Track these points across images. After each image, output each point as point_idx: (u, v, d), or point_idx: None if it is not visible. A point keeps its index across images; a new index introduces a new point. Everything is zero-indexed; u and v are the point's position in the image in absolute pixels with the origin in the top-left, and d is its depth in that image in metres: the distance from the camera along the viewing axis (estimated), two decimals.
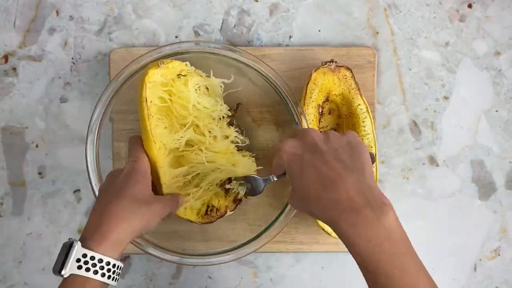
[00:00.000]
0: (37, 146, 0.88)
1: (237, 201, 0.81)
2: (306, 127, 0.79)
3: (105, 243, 0.64)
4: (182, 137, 0.77)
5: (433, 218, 0.88)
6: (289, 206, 0.79)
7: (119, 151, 0.85)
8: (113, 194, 0.69)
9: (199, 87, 0.79)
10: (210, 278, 0.88)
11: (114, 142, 0.85)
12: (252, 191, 0.77)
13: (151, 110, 0.75)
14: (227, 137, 0.80)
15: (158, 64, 0.75)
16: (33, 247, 0.88)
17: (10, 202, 0.88)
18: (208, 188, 0.80)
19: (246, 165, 0.80)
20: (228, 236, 0.83)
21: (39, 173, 0.88)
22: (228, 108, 0.81)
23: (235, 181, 0.79)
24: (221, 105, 0.80)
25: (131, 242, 0.78)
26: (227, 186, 0.79)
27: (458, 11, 0.88)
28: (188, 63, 0.78)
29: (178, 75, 0.77)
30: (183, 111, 0.77)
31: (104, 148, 0.87)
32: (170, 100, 0.77)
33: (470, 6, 0.88)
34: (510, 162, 0.88)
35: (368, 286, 0.61)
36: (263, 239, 0.79)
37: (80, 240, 0.65)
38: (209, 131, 0.78)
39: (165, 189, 0.76)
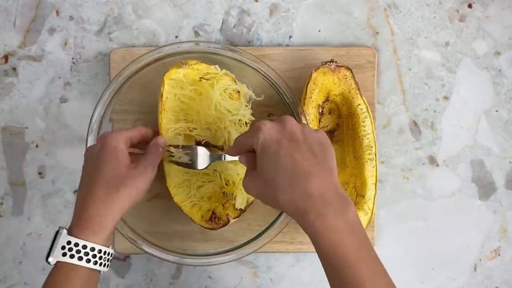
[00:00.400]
0: (37, 146, 0.88)
1: (239, 209, 0.81)
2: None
3: (88, 229, 0.65)
4: (181, 126, 0.79)
5: (433, 218, 0.88)
6: None
7: None
8: (90, 176, 0.69)
9: (225, 90, 0.79)
10: (210, 278, 0.88)
11: None
12: (194, 164, 0.77)
13: (166, 106, 0.78)
14: None
15: (181, 64, 0.78)
16: (33, 247, 0.88)
17: (10, 202, 0.88)
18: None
19: None
20: (228, 236, 0.83)
21: (39, 173, 0.88)
22: (251, 112, 0.81)
23: (180, 148, 0.78)
24: (244, 110, 0.80)
25: (131, 243, 0.78)
26: (171, 149, 0.78)
27: (458, 11, 0.88)
28: (217, 66, 0.79)
29: (200, 78, 0.79)
30: (207, 111, 0.79)
31: None
32: (194, 99, 0.79)
33: (470, 6, 0.88)
34: (510, 162, 0.88)
35: (330, 280, 0.62)
36: (263, 239, 0.79)
37: (68, 227, 0.66)
38: (228, 132, 0.79)
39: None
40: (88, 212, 0.66)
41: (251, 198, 0.80)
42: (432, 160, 0.88)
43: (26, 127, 0.88)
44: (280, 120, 0.68)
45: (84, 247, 0.65)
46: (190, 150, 0.77)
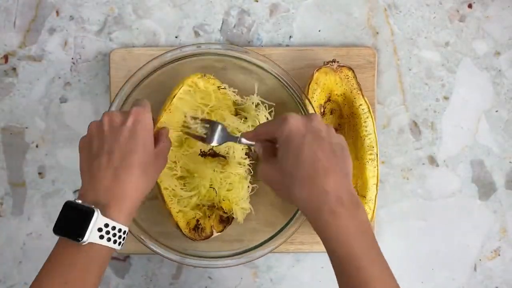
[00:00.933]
0: (37, 146, 0.88)
1: (224, 222, 0.81)
2: None
3: (123, 213, 0.64)
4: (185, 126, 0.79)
5: (433, 218, 0.88)
6: (299, 212, 0.79)
7: None
8: (122, 151, 0.65)
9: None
10: (210, 278, 0.88)
11: None
12: (208, 138, 0.76)
13: (171, 107, 0.78)
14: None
15: (203, 75, 0.80)
16: (33, 247, 0.88)
17: (10, 202, 0.88)
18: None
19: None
20: (230, 234, 0.83)
21: (39, 173, 0.88)
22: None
23: (199, 121, 0.78)
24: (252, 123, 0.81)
25: (141, 242, 0.78)
26: (189, 120, 0.78)
27: (458, 11, 0.88)
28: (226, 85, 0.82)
29: (218, 87, 0.81)
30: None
31: None
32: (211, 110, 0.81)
33: (470, 6, 0.88)
34: (510, 162, 0.88)
35: (338, 278, 0.62)
36: (269, 245, 0.79)
37: (89, 200, 0.63)
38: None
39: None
40: (125, 192, 0.64)
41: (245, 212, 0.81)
42: (432, 160, 0.88)
43: (26, 127, 0.88)
44: (308, 115, 0.70)
45: (120, 230, 0.63)
46: (209, 124, 0.76)
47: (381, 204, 0.87)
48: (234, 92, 0.82)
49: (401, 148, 0.88)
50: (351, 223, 0.62)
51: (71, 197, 0.87)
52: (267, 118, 0.81)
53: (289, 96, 0.80)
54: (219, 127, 0.76)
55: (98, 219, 0.61)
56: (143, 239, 0.78)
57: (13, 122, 0.88)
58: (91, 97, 0.87)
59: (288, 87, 0.79)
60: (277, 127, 0.68)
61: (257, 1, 0.88)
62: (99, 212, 0.62)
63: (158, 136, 0.72)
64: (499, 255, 0.88)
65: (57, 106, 0.88)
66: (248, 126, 0.81)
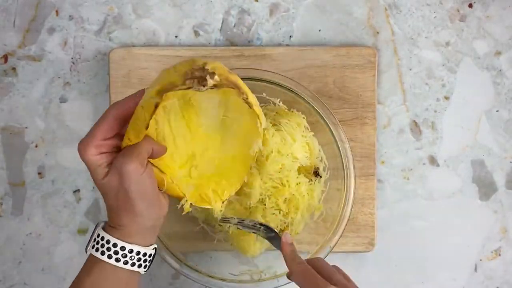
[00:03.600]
0: (36, 146, 0.88)
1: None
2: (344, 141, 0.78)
3: (134, 233, 0.64)
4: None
5: (433, 218, 0.88)
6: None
7: None
8: (123, 205, 0.63)
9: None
10: None
11: None
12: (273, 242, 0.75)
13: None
14: None
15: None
16: (33, 247, 0.88)
17: (10, 202, 0.88)
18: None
19: None
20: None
21: (39, 173, 0.88)
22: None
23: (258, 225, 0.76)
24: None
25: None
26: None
27: (458, 10, 0.88)
28: None
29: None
30: None
31: None
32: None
33: (470, 5, 0.88)
34: (510, 162, 0.88)
35: None
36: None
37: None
38: None
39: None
40: (128, 233, 0.63)
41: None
42: (433, 160, 0.88)
43: (26, 127, 0.88)
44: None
45: (115, 245, 0.63)
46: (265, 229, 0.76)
47: (381, 204, 0.87)
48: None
49: (401, 148, 0.88)
50: None
51: (71, 197, 0.88)
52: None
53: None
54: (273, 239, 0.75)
55: (97, 231, 0.63)
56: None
57: (13, 122, 0.88)
58: (90, 97, 0.87)
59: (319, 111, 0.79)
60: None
61: (257, 1, 0.88)
62: (101, 224, 0.64)
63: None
64: (499, 255, 0.88)
65: (57, 106, 0.87)
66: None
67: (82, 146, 0.62)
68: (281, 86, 0.78)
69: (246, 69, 0.80)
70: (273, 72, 0.79)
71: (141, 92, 0.64)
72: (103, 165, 0.63)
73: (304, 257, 0.79)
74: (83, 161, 0.63)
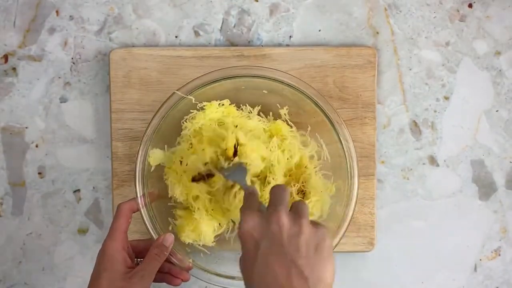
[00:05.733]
0: (37, 146, 0.88)
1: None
2: (350, 143, 0.77)
3: None
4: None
5: (433, 218, 0.88)
6: None
7: (117, 151, 0.85)
8: (91, 284, 0.69)
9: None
10: None
11: (113, 141, 0.85)
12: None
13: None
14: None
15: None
16: (33, 247, 0.88)
17: (10, 202, 0.88)
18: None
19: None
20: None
21: (39, 173, 0.88)
22: None
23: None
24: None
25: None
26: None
27: (458, 11, 0.88)
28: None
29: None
30: None
31: (105, 148, 0.87)
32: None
33: (470, 6, 0.88)
34: (510, 162, 0.88)
35: None
36: None
37: None
38: None
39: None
40: None
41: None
42: (433, 160, 0.88)
43: (26, 127, 0.88)
44: (269, 213, 0.57)
45: None
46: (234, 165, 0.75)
47: (381, 204, 0.87)
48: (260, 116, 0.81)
49: (401, 148, 0.88)
50: None
51: (71, 197, 0.88)
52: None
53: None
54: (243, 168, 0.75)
55: None
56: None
57: (13, 122, 0.88)
58: (91, 97, 0.87)
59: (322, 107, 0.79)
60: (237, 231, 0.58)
61: (257, 1, 0.88)
62: None
63: (151, 252, 0.71)
64: (499, 255, 0.88)
65: (57, 106, 0.88)
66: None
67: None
68: (287, 85, 0.78)
69: (251, 68, 0.79)
70: (280, 71, 0.79)
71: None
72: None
73: None
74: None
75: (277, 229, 0.55)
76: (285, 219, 0.56)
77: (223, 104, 0.80)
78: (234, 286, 0.77)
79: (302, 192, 0.79)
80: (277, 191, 0.60)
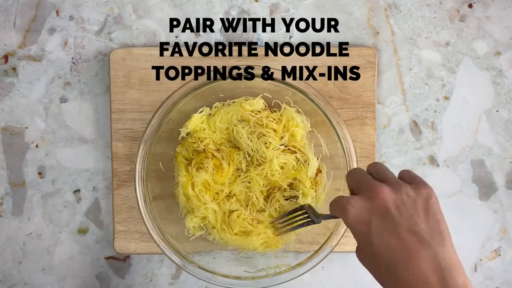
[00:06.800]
0: (37, 146, 0.88)
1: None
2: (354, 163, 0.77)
3: None
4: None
5: None
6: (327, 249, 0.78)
7: (117, 151, 0.85)
8: None
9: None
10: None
11: (113, 141, 0.85)
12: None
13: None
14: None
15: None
16: (33, 247, 0.88)
17: (10, 202, 0.88)
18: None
19: None
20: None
21: (39, 173, 0.88)
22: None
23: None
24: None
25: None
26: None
27: (458, 11, 0.88)
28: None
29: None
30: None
31: (104, 148, 0.87)
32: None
33: (470, 6, 0.88)
34: (510, 162, 0.88)
35: None
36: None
37: None
38: None
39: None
40: None
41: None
42: (433, 160, 0.88)
43: (26, 127, 0.88)
44: (369, 191, 0.56)
45: None
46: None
47: None
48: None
49: (401, 148, 0.88)
50: None
51: (71, 197, 0.88)
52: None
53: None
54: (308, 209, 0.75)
55: None
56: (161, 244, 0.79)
57: (13, 122, 0.88)
58: (91, 97, 0.87)
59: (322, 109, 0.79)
60: (339, 214, 0.57)
61: (257, 1, 0.88)
62: None
63: None
64: (499, 255, 0.88)
65: (57, 106, 0.88)
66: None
67: None
68: (288, 85, 0.78)
69: (251, 68, 0.80)
70: (281, 70, 0.79)
71: None
72: None
73: (304, 256, 0.80)
74: None
75: (383, 204, 0.54)
76: (387, 192, 0.55)
77: (201, 111, 0.80)
78: (235, 286, 0.77)
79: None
80: (356, 175, 0.60)
